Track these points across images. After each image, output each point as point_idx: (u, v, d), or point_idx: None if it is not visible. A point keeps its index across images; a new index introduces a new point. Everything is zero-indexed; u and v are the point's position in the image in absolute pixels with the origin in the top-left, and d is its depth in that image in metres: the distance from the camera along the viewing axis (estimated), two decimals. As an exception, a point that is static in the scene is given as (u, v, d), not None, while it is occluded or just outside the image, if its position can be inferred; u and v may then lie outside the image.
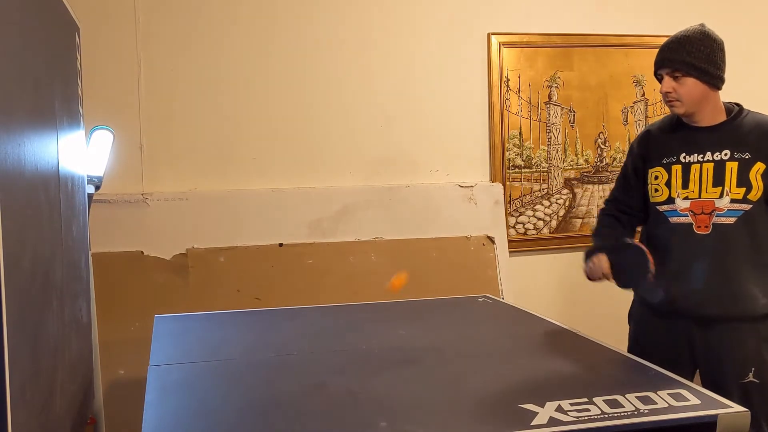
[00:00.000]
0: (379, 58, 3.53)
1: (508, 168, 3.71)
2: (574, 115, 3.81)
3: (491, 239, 3.59)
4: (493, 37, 3.65)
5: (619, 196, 2.47)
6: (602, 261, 2.27)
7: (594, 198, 3.85)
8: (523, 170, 3.73)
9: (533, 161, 3.75)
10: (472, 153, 3.68)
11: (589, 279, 2.33)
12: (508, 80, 3.69)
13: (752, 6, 4.08)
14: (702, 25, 2.23)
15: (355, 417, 1.60)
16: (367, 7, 3.50)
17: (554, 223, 3.79)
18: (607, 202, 2.54)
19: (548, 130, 3.78)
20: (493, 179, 3.69)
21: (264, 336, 2.34)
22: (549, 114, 3.77)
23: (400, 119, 3.57)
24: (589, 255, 2.35)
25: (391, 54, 3.55)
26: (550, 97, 3.77)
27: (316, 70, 3.45)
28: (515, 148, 3.72)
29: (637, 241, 2.23)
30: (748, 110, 2.25)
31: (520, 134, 3.72)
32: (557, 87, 3.77)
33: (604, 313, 3.46)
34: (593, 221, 3.82)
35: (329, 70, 3.47)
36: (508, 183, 3.70)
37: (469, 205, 3.60)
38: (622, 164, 2.54)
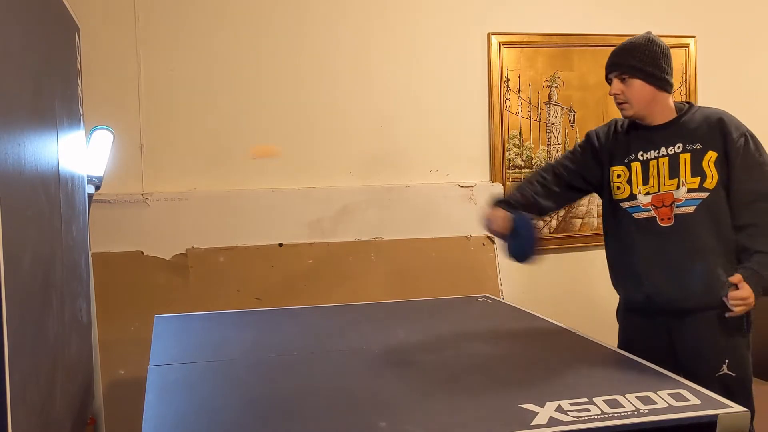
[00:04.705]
0: (379, 58, 3.53)
1: (508, 168, 3.71)
2: (574, 115, 3.81)
3: (491, 239, 3.59)
4: (493, 37, 3.65)
5: (560, 164, 2.46)
6: (499, 216, 2.32)
7: (594, 198, 3.84)
8: (523, 170, 3.73)
9: (533, 161, 3.75)
10: (472, 153, 3.68)
11: (487, 228, 2.38)
12: (508, 80, 3.69)
13: (752, 7, 4.08)
14: (648, 32, 2.35)
15: (355, 417, 1.60)
16: (367, 8, 3.50)
17: (554, 223, 3.79)
18: (545, 166, 2.52)
19: (548, 130, 3.78)
20: (493, 179, 3.69)
21: (264, 336, 2.35)
22: (549, 114, 3.77)
23: (400, 119, 3.57)
24: (493, 205, 2.39)
25: (391, 54, 3.55)
26: (550, 97, 3.77)
27: (316, 71, 3.45)
28: (515, 148, 3.72)
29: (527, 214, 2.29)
30: (698, 106, 2.34)
31: (520, 134, 3.72)
32: (557, 87, 3.77)
33: (604, 313, 3.45)
34: (593, 221, 3.82)
35: (329, 71, 3.47)
36: (508, 183, 3.70)
37: (469, 205, 3.60)
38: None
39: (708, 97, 3.50)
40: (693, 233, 2.21)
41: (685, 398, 1.62)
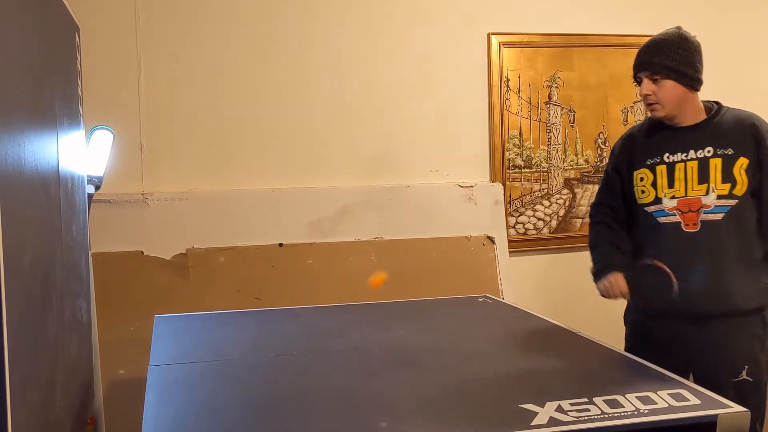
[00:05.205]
0: (379, 58, 3.53)
1: (508, 168, 3.71)
2: (574, 115, 3.81)
3: (491, 239, 3.59)
4: (493, 37, 3.65)
5: (604, 199, 2.46)
6: (619, 280, 2.28)
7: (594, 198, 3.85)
8: (523, 170, 3.73)
9: (533, 161, 3.75)
10: (472, 153, 3.68)
11: (604, 296, 2.34)
12: (508, 80, 3.69)
13: (752, 6, 4.08)
14: (679, 27, 2.26)
15: (355, 417, 1.60)
16: (367, 8, 3.50)
17: (554, 223, 3.79)
18: (594, 206, 2.52)
19: (548, 130, 3.78)
20: (493, 179, 3.69)
21: (264, 336, 2.34)
22: (549, 114, 3.77)
23: (400, 119, 3.57)
24: (600, 271, 2.35)
25: (391, 54, 3.55)
26: (550, 97, 3.77)
27: (316, 70, 3.45)
28: (515, 148, 3.72)
29: (653, 261, 2.23)
30: (727, 107, 2.28)
31: (520, 134, 3.72)
32: (557, 87, 3.77)
33: (604, 313, 3.45)
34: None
35: (329, 70, 3.47)
36: (508, 183, 3.70)
37: (469, 205, 3.60)
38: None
39: (708, 98, 3.49)
40: (719, 240, 2.17)
41: (685, 398, 1.62)
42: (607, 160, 2.47)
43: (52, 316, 1.71)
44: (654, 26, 3.57)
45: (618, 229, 2.40)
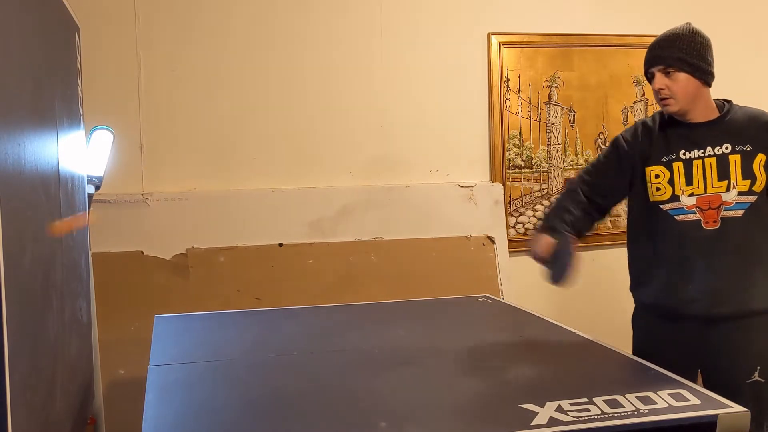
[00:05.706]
0: (379, 58, 3.53)
1: (508, 168, 3.71)
2: (574, 115, 3.81)
3: (491, 239, 3.59)
4: (493, 37, 3.65)
5: (595, 180, 2.36)
6: (543, 241, 2.23)
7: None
8: (523, 170, 3.73)
9: (533, 161, 3.75)
10: (472, 153, 3.68)
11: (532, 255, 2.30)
12: (508, 80, 3.69)
13: (752, 7, 4.08)
14: (689, 23, 2.24)
15: (355, 417, 1.60)
16: (367, 8, 3.51)
17: (554, 223, 3.79)
18: (579, 180, 2.41)
19: (548, 130, 3.78)
20: (493, 179, 3.69)
21: (264, 336, 2.35)
22: (549, 114, 3.77)
23: (400, 119, 3.57)
24: (542, 228, 2.31)
25: (391, 54, 3.55)
26: (550, 97, 3.77)
27: (316, 70, 3.45)
28: (515, 148, 3.72)
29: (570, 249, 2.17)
30: (739, 105, 2.26)
31: (520, 134, 3.72)
32: (557, 87, 3.77)
33: (604, 313, 3.46)
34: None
35: (329, 70, 3.47)
36: (508, 183, 3.70)
37: (469, 205, 3.60)
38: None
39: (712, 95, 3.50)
40: (741, 237, 2.15)
41: (685, 398, 1.62)
42: (612, 146, 2.35)
43: (52, 316, 1.70)
44: (654, 26, 3.56)
45: (589, 209, 2.33)
